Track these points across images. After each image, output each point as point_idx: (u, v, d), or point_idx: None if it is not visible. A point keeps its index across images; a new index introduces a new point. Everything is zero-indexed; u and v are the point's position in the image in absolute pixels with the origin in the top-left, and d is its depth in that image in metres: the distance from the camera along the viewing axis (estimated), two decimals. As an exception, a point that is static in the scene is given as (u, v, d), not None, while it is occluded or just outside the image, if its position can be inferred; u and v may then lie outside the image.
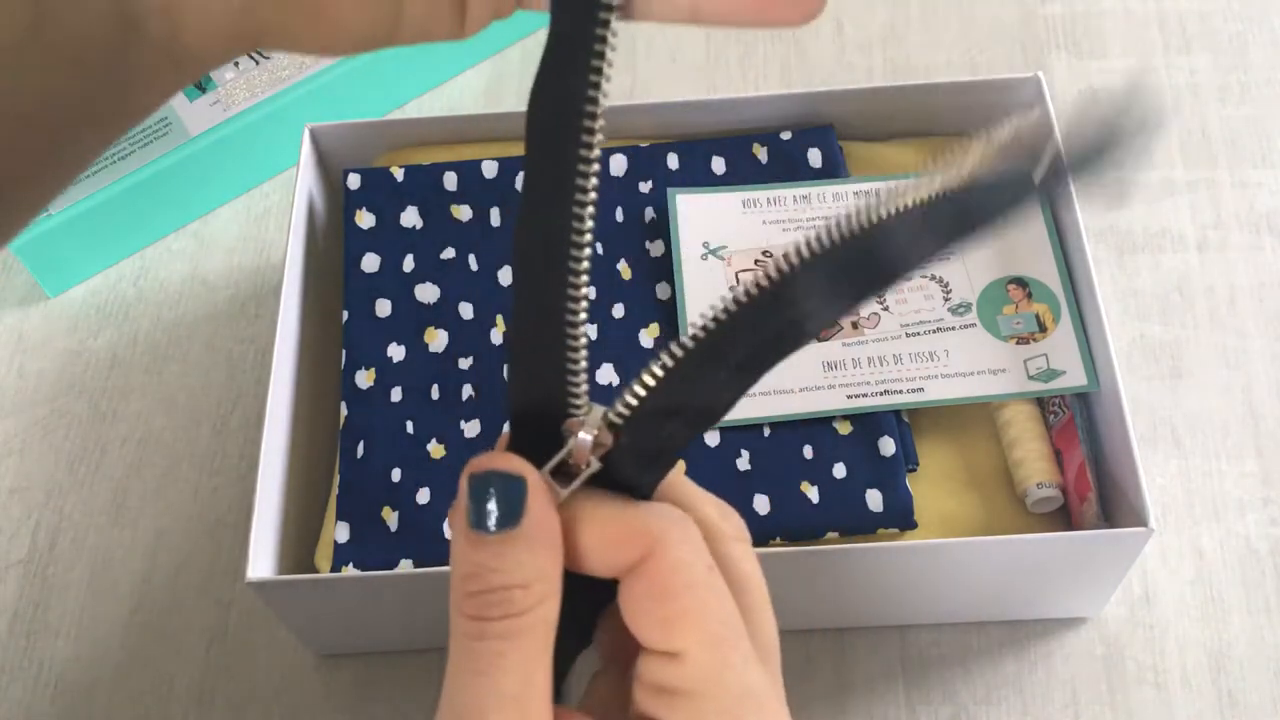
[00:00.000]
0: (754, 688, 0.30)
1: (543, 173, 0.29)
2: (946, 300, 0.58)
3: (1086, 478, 0.54)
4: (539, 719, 0.29)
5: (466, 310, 0.60)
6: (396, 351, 0.59)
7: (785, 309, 0.28)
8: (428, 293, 0.61)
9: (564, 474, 0.30)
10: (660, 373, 0.29)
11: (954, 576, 0.54)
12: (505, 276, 0.61)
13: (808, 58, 0.76)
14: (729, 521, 0.33)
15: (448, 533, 0.53)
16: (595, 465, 0.30)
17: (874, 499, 0.54)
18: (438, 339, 0.60)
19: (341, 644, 0.58)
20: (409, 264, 0.61)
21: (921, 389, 0.56)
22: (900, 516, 0.54)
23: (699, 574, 0.30)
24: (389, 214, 0.62)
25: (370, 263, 0.61)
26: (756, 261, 0.60)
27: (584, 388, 0.30)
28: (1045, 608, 0.57)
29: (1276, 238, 0.68)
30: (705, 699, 0.29)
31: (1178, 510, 0.60)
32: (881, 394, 0.56)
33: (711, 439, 0.56)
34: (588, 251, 0.29)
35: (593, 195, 0.28)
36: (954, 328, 0.58)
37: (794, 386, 0.57)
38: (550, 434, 0.30)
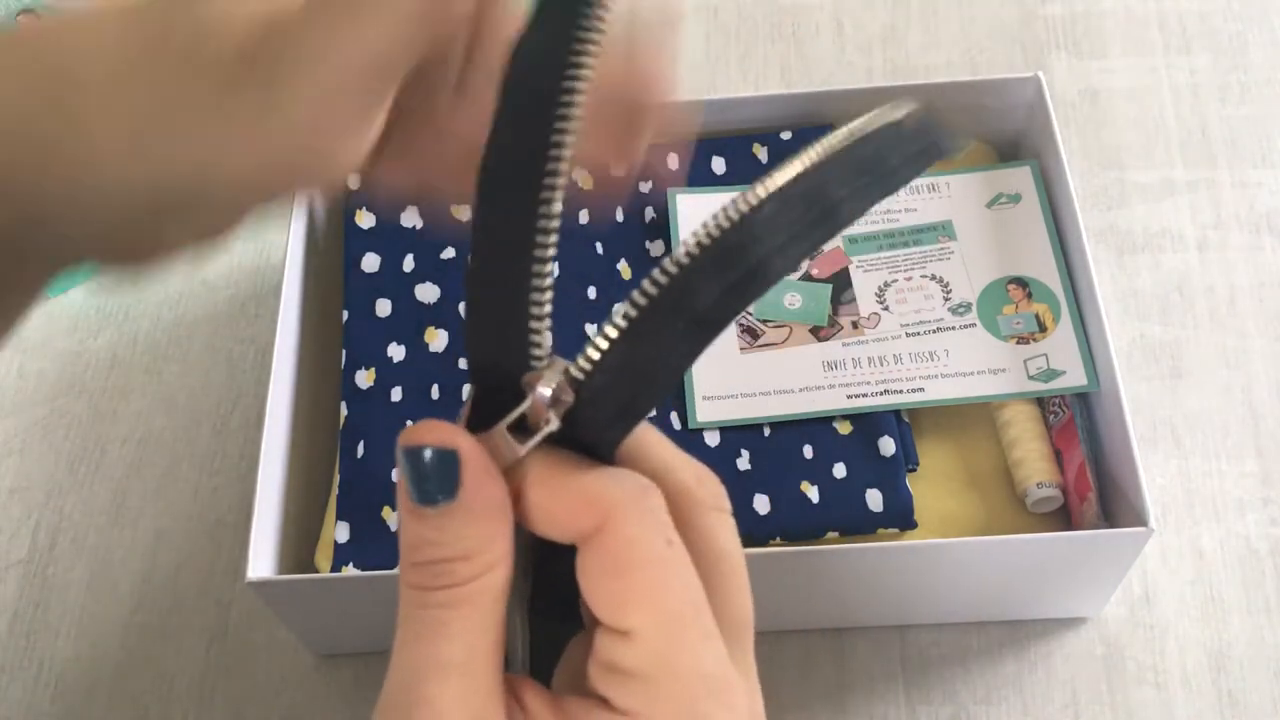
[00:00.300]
0: (712, 670, 0.28)
1: (523, 94, 0.27)
2: (946, 300, 0.58)
3: (1086, 478, 0.54)
4: (483, 687, 0.28)
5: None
6: (396, 351, 0.59)
7: (748, 250, 0.27)
8: (428, 293, 0.61)
9: (525, 430, 0.28)
10: (623, 323, 0.27)
11: (954, 576, 0.54)
12: (505, 276, 0.61)
13: (808, 58, 0.76)
14: (706, 488, 0.31)
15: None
16: (554, 424, 0.28)
17: (874, 499, 0.54)
18: (438, 339, 0.60)
19: (341, 644, 0.58)
20: (409, 264, 0.61)
21: (921, 389, 0.56)
22: (900, 516, 0.54)
23: (656, 550, 0.28)
24: (389, 214, 0.62)
25: (370, 263, 0.61)
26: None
27: (546, 337, 0.28)
28: (1045, 608, 0.57)
29: (1276, 238, 0.68)
30: (656, 682, 0.28)
31: (1178, 510, 0.60)
32: (881, 394, 0.56)
33: (711, 439, 0.56)
34: (562, 180, 0.27)
35: (578, 112, 0.26)
36: (954, 328, 0.58)
37: (794, 386, 0.57)
38: (512, 389, 0.28)
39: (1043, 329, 0.57)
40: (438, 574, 0.28)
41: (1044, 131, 0.61)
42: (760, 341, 0.58)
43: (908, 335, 0.58)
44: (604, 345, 0.27)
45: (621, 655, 0.28)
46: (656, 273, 0.27)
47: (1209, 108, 0.72)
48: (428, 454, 0.28)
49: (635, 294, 0.27)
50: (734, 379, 0.57)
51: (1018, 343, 0.57)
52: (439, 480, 0.28)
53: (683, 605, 0.28)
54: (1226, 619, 0.57)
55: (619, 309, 0.27)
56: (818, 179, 0.27)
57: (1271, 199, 0.69)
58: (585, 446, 0.29)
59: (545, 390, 0.28)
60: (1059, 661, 0.57)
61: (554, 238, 0.27)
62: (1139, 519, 0.50)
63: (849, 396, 0.56)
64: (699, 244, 0.26)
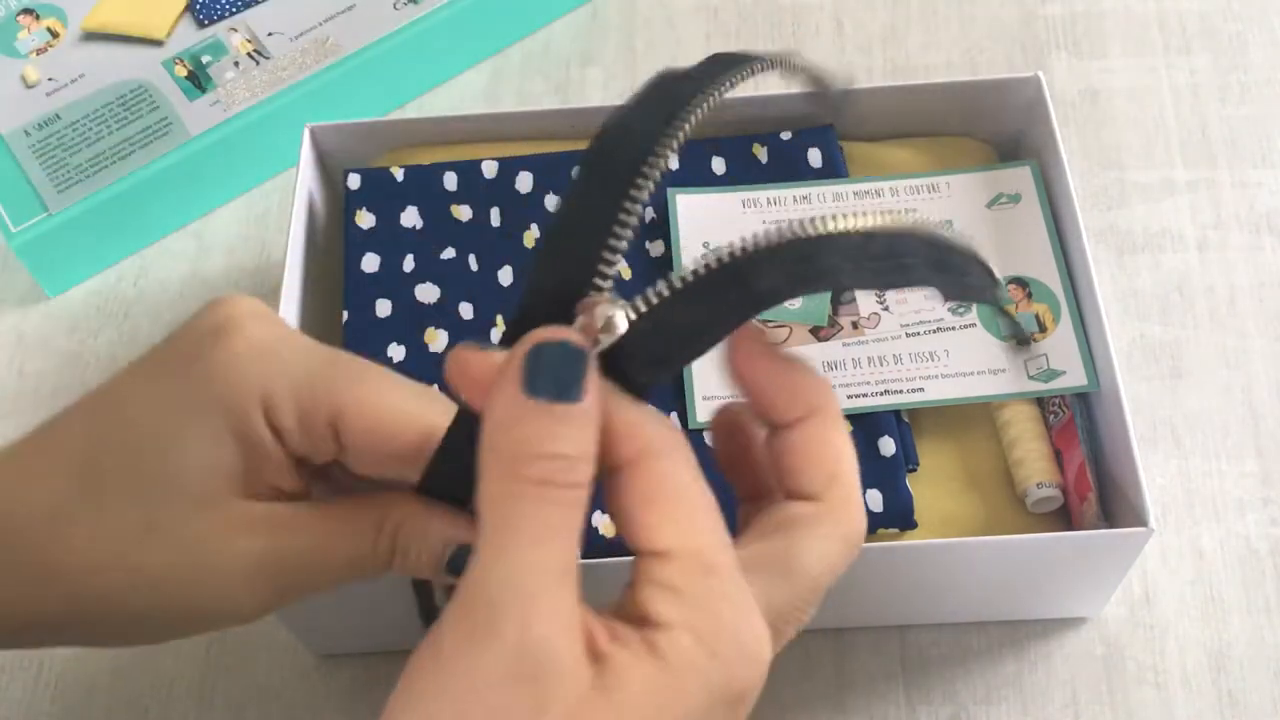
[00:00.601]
0: (739, 593, 0.30)
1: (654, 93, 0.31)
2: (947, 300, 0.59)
3: (1086, 478, 0.54)
4: (577, 597, 0.29)
5: (466, 310, 0.60)
6: (396, 351, 0.59)
7: (815, 261, 0.29)
8: (428, 293, 0.61)
9: None
10: (691, 277, 0.29)
11: (954, 576, 0.54)
12: (505, 276, 0.61)
13: (807, 58, 0.76)
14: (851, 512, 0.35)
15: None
16: (606, 341, 0.29)
17: (874, 499, 0.54)
18: (438, 339, 0.60)
19: (341, 644, 0.58)
20: (409, 264, 0.61)
21: (921, 389, 0.56)
22: (900, 516, 0.54)
23: (686, 483, 0.30)
24: (389, 214, 0.62)
25: (370, 263, 0.61)
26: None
27: (613, 272, 0.30)
28: (1045, 608, 0.57)
29: (1276, 238, 0.68)
30: (693, 591, 0.30)
31: (1178, 510, 0.60)
32: (881, 394, 0.56)
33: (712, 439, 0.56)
34: (671, 158, 0.30)
35: (693, 122, 0.30)
36: (954, 328, 0.58)
37: (794, 386, 0.57)
38: (563, 312, 0.30)
39: (1043, 329, 0.57)
40: (563, 469, 0.29)
41: (1044, 131, 0.61)
42: (760, 341, 0.58)
43: (908, 335, 0.58)
44: (665, 292, 0.30)
45: (658, 573, 0.30)
46: (726, 247, 0.29)
47: (1209, 108, 0.72)
48: (561, 353, 0.29)
49: (701, 259, 0.30)
50: (734, 379, 0.57)
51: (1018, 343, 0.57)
52: (568, 380, 0.29)
53: (711, 533, 0.30)
54: (1226, 619, 0.57)
55: (682, 270, 0.30)
56: (903, 243, 0.30)
57: (1271, 199, 0.69)
58: (621, 381, 0.31)
59: (604, 314, 0.29)
60: (1059, 661, 0.57)
61: (649, 193, 0.30)
62: (1139, 519, 0.50)
63: (849, 397, 0.56)
64: (780, 234, 0.29)
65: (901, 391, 0.56)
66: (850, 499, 0.34)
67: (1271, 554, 0.59)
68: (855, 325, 0.58)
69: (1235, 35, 0.75)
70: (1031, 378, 0.56)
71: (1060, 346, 0.57)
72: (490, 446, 0.29)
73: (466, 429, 0.34)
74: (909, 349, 0.57)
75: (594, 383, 0.29)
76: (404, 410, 0.36)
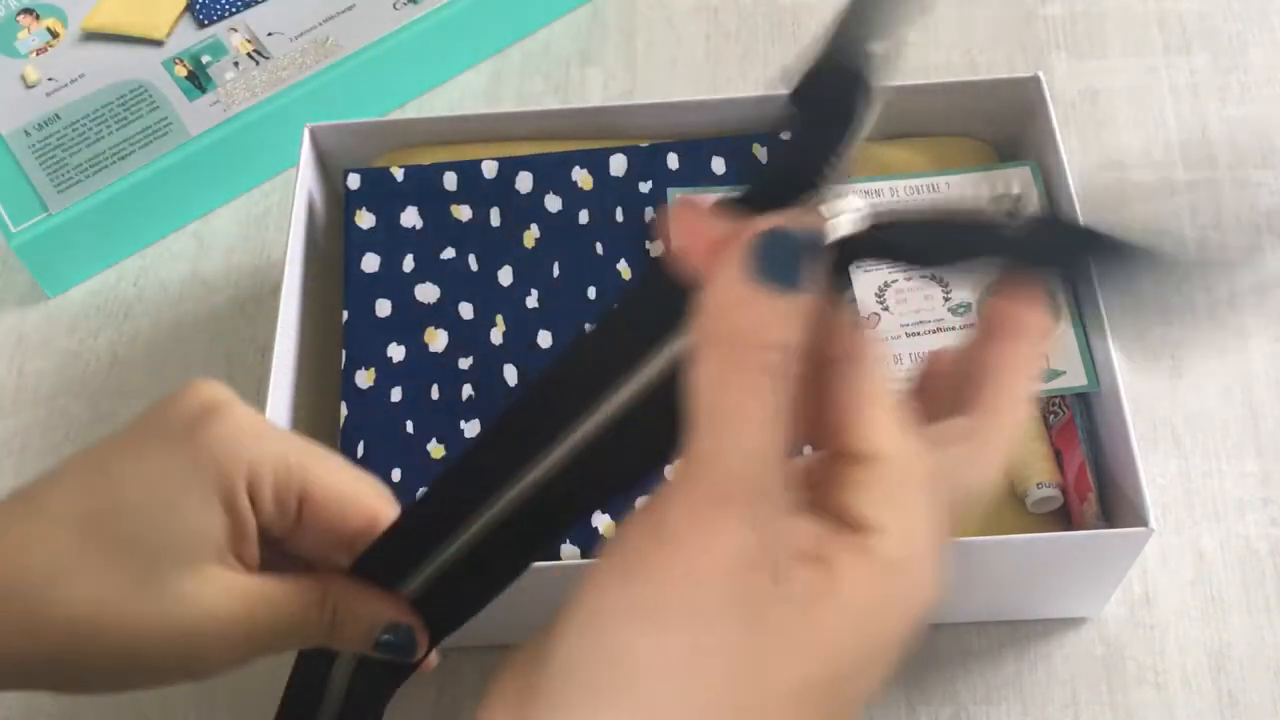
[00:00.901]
0: (934, 509, 0.31)
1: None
2: (946, 300, 0.58)
3: (1086, 478, 0.54)
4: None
5: (466, 310, 0.60)
6: (396, 351, 0.59)
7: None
8: (428, 293, 0.61)
9: None
10: (944, 215, 0.32)
11: (953, 576, 0.54)
12: (505, 276, 0.61)
13: (808, 58, 0.76)
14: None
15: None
16: (829, 236, 0.30)
17: (874, 499, 0.54)
18: (438, 339, 0.60)
19: (341, 644, 0.58)
20: (409, 264, 0.61)
21: (921, 389, 0.56)
22: (900, 516, 0.54)
23: (887, 386, 0.31)
24: (389, 214, 0.62)
25: (370, 263, 0.61)
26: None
27: (840, 168, 0.31)
28: (1045, 608, 0.57)
29: (1277, 237, 0.68)
30: (896, 493, 0.30)
31: (1178, 510, 0.60)
32: (881, 394, 0.56)
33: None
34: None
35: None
36: (954, 328, 0.58)
37: (794, 386, 0.57)
38: (789, 201, 0.31)
39: (1043, 329, 0.57)
40: (784, 360, 0.28)
41: (1044, 131, 0.61)
42: (760, 341, 0.58)
43: (908, 335, 0.58)
44: (911, 210, 0.32)
45: (865, 476, 0.30)
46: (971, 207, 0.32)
47: (1209, 108, 0.72)
48: (792, 241, 0.29)
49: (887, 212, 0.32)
50: (734, 379, 0.57)
51: (1018, 343, 0.57)
52: (795, 271, 0.29)
53: (910, 439, 0.31)
54: (1226, 619, 0.57)
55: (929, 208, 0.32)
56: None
57: (1271, 199, 0.69)
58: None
59: (835, 210, 0.30)
60: (1059, 661, 0.57)
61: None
62: (1139, 519, 0.50)
63: (849, 396, 0.56)
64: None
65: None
66: (1001, 425, 0.33)
67: (1271, 554, 0.59)
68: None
69: (1235, 35, 0.74)
70: (1031, 378, 0.56)
71: (1060, 346, 0.57)
72: (712, 329, 0.29)
73: (414, 522, 0.37)
74: (909, 349, 0.57)
75: (817, 276, 0.29)
76: (358, 496, 0.40)
